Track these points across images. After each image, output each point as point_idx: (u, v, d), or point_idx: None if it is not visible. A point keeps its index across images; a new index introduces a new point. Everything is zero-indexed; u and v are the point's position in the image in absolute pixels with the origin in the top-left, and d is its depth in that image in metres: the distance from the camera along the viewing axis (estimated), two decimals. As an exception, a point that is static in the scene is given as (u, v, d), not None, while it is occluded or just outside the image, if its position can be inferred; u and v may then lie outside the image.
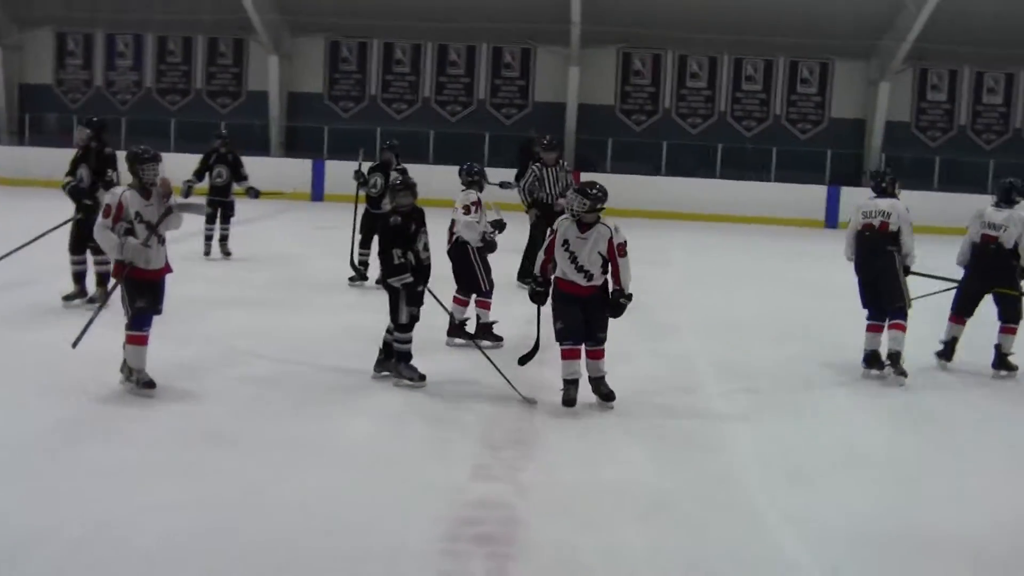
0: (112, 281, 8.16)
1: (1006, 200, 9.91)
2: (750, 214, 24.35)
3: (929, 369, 9.95)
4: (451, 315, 9.79)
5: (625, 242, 7.87)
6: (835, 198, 25.45)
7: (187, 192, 14.18)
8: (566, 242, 7.88)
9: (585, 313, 7.89)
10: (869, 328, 9.73)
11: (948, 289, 10.44)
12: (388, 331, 8.52)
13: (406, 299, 8.28)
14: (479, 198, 10.15)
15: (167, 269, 7.97)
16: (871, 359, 9.68)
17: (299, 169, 25.26)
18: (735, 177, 26.27)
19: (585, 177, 18.11)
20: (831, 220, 25.01)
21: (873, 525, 5.94)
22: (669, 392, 8.81)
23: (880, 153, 27.27)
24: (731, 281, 15.35)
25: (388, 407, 7.92)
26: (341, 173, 25.20)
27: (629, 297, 7.88)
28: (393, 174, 12.23)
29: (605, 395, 7.96)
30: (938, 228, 24.50)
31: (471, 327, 10.03)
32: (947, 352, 10.08)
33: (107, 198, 7.86)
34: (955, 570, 5.41)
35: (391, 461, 6.69)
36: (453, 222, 10.10)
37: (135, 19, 27.71)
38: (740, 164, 27.27)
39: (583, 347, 7.92)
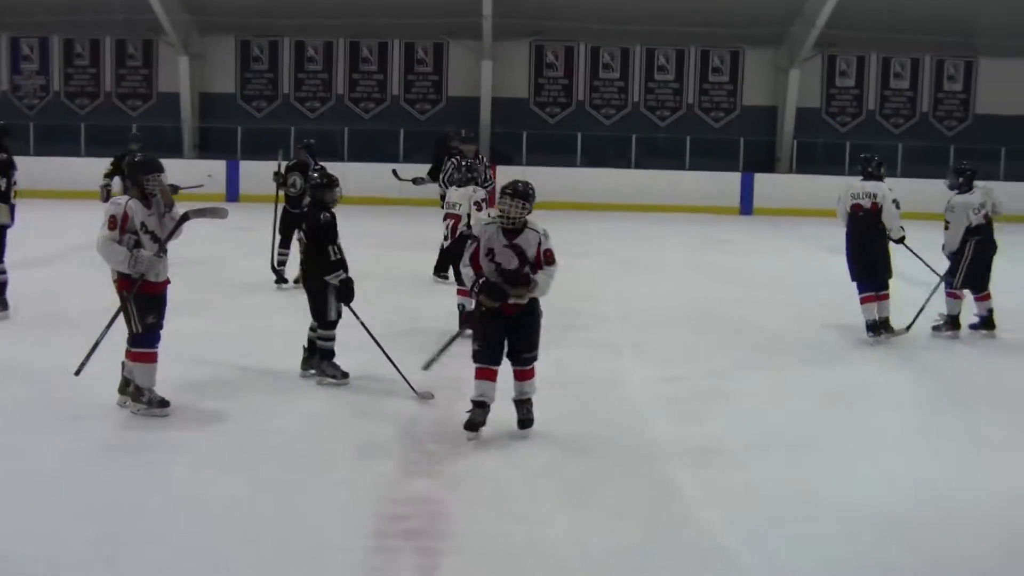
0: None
1: (970, 185, 10.84)
2: (666, 203, 24.53)
3: (859, 347, 10.14)
4: (461, 306, 10.03)
5: (552, 250, 7.15)
6: (749, 185, 25.76)
7: (106, 196, 14.09)
8: (491, 251, 7.08)
9: (508, 332, 7.17)
10: (864, 300, 10.58)
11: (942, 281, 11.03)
12: (312, 329, 8.48)
13: (336, 295, 8.24)
14: (486, 195, 10.22)
15: (168, 281, 7.65)
16: (875, 327, 10.47)
17: (213, 170, 24.89)
18: (650, 166, 26.45)
19: (502, 171, 18.14)
20: (746, 207, 25.31)
21: (796, 502, 6.04)
22: (590, 380, 8.86)
23: (792, 139, 27.65)
24: (650, 269, 15.47)
25: (311, 407, 7.87)
26: (256, 173, 25.01)
27: (534, 285, 7.04)
28: (313, 173, 12.14)
29: (521, 420, 7.28)
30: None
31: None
32: (955, 323, 11.01)
33: (111, 209, 7.31)
34: (871, 542, 5.50)
35: (316, 460, 6.65)
36: (453, 219, 10.20)
37: (40, 22, 27.15)
38: (655, 153, 27.47)
39: (502, 369, 7.26)
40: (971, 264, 10.70)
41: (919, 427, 7.84)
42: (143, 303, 7.36)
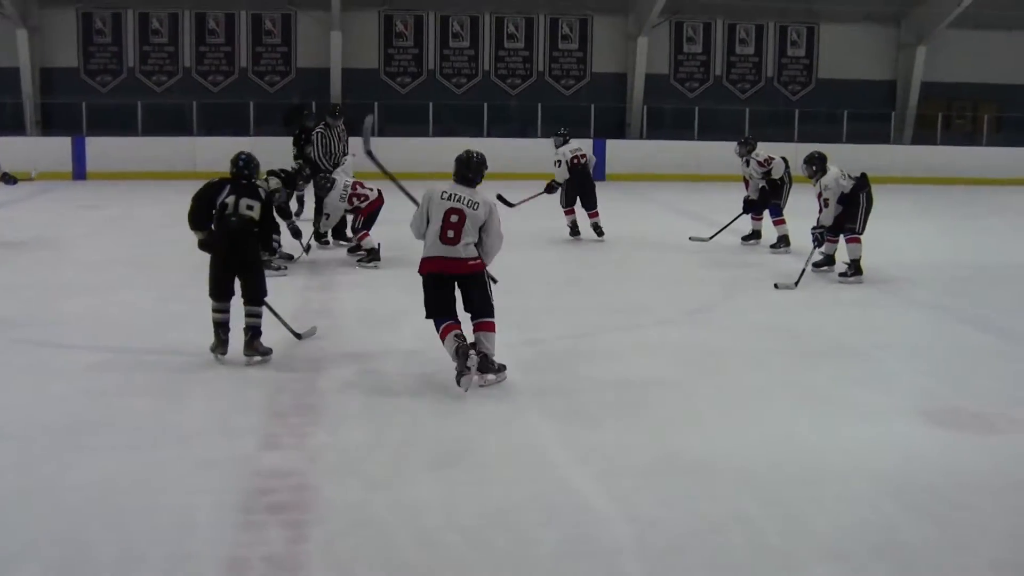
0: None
1: (824, 169, 12.16)
2: (518, 171, 24.56)
3: (720, 307, 10.34)
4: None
5: None
6: (601, 151, 25.98)
7: None
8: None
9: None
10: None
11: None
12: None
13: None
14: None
15: None
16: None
17: (58, 147, 24.29)
18: (502, 135, 26.55)
19: (354, 142, 18.01)
20: (598, 173, 25.32)
21: (659, 460, 6.14)
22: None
23: (642, 106, 28.04)
24: (507, 237, 15.50)
25: (169, 383, 7.73)
26: (102, 149, 24.42)
27: None
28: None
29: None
30: (696, 176, 25.41)
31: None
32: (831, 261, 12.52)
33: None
34: (731, 496, 5.64)
35: (174, 439, 6.51)
36: None
37: None
38: (506, 121, 27.62)
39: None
40: (867, 209, 11.95)
41: (776, 384, 8.01)
42: None
